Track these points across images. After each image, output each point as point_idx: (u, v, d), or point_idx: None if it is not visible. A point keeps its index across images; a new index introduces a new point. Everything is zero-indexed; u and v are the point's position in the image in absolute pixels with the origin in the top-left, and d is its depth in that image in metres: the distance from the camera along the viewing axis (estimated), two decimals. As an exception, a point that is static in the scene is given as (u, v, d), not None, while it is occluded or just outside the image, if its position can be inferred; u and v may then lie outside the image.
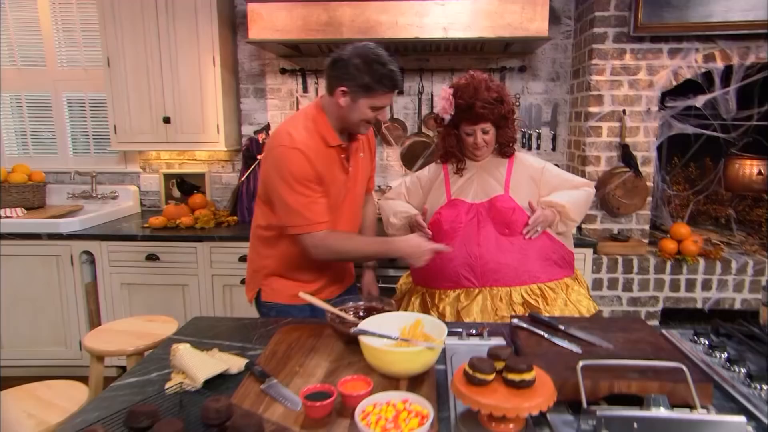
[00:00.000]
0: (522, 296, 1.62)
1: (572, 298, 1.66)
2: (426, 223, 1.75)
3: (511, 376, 0.96)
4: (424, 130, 3.19)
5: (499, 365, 1.00)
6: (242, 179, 3.09)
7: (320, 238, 1.53)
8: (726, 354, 1.23)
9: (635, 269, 2.62)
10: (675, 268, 2.60)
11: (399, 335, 1.22)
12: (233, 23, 3.21)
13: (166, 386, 1.11)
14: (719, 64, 2.59)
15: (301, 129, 1.53)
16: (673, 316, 2.74)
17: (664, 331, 1.40)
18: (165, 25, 2.93)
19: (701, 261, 2.59)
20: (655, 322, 2.68)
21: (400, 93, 3.17)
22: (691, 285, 2.62)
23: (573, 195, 1.69)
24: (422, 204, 1.85)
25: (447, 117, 1.70)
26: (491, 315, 1.61)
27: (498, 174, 1.73)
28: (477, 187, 1.72)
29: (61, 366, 2.86)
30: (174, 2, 2.88)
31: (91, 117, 3.46)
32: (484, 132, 1.68)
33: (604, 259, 2.62)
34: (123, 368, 2.88)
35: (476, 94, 1.62)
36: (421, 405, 0.91)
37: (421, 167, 3.15)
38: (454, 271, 1.66)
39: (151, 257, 2.76)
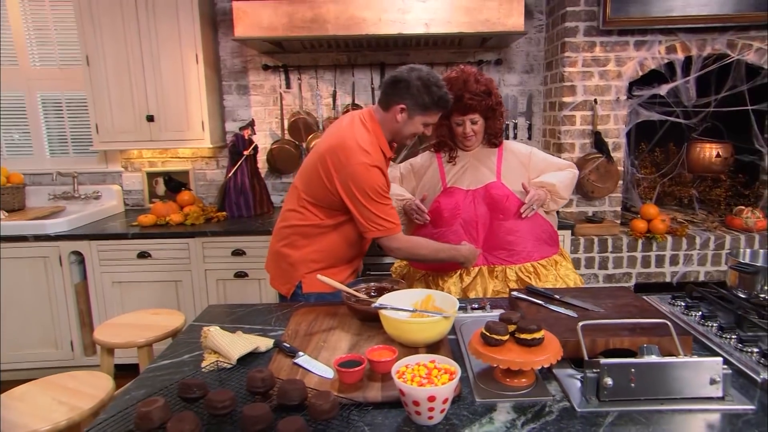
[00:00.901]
0: (516, 273, 1.76)
1: (561, 273, 1.81)
2: (426, 207, 1.86)
3: (523, 336, 1.08)
4: (406, 122, 3.29)
5: (511, 328, 1.12)
6: (229, 175, 3.12)
7: (404, 240, 1.72)
8: (701, 312, 1.39)
9: (610, 248, 2.81)
10: (645, 246, 2.80)
11: (414, 308, 1.33)
12: (214, 20, 3.23)
13: (203, 365, 1.19)
14: (680, 55, 2.79)
15: (370, 144, 1.65)
16: (644, 290, 2.94)
17: (644, 297, 1.55)
18: (146, 23, 2.93)
19: (669, 238, 2.79)
20: (628, 297, 2.87)
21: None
22: (660, 261, 2.82)
23: (560, 175, 1.85)
24: (415, 189, 1.96)
25: None
26: (489, 291, 1.75)
27: (489, 162, 1.87)
28: (470, 175, 1.86)
29: (51, 368, 2.83)
30: (154, 0, 2.89)
31: (69, 117, 3.41)
32: (473, 122, 1.81)
33: (581, 240, 2.80)
34: (118, 365, 2.88)
35: (465, 86, 1.75)
36: (448, 363, 1.02)
37: (406, 158, 3.27)
38: None
39: (143, 255, 2.77)
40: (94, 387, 1.46)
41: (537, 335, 1.07)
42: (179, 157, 3.43)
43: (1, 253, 2.74)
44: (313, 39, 2.78)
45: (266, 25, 2.72)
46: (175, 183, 3.27)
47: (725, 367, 1.00)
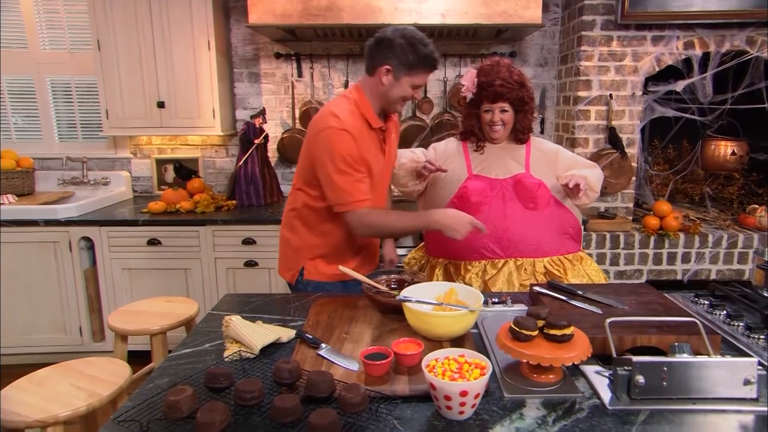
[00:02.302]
0: (545, 266, 1.75)
1: (587, 270, 1.80)
2: (451, 191, 1.80)
3: (553, 332, 1.07)
4: (418, 114, 3.27)
5: (540, 323, 1.11)
6: (240, 164, 3.10)
7: (363, 214, 1.60)
8: (725, 311, 1.37)
9: (621, 244, 2.80)
10: (658, 243, 2.79)
11: (438, 301, 1.32)
12: (226, 7, 3.19)
13: (225, 355, 1.18)
14: (698, 51, 2.76)
15: (346, 111, 1.59)
16: (655, 287, 2.94)
17: (666, 294, 1.54)
18: (158, 9, 2.89)
19: (681, 236, 2.78)
20: (639, 294, 2.87)
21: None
22: (672, 258, 2.81)
23: (590, 171, 1.82)
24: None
25: (469, 95, 1.81)
26: (515, 285, 1.73)
27: (517, 156, 1.84)
28: (498, 165, 1.83)
29: (61, 353, 2.84)
30: (166, -15, 2.85)
31: (79, 101, 3.38)
32: (503, 111, 1.77)
33: (593, 236, 2.78)
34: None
35: (497, 74, 1.74)
36: (479, 358, 1.01)
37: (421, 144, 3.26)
38: (481, 243, 1.76)
39: (153, 242, 2.76)
40: (112, 374, 1.46)
41: (567, 331, 1.06)
42: (189, 145, 3.40)
43: (10, 237, 2.73)
44: (327, 27, 2.75)
45: (280, 13, 2.69)
46: (185, 170, 3.26)
47: (760, 368, 0.99)
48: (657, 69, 2.80)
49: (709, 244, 2.78)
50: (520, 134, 1.84)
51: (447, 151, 1.92)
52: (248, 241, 2.77)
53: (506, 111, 1.77)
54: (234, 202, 3.06)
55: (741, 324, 1.31)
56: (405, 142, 3.24)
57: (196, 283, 2.83)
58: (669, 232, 2.77)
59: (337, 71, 3.26)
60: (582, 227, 1.92)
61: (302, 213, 1.73)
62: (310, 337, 1.23)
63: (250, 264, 2.79)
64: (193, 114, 3.04)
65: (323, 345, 1.20)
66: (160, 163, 3.42)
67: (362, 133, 1.61)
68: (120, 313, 1.93)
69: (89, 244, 2.82)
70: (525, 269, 1.75)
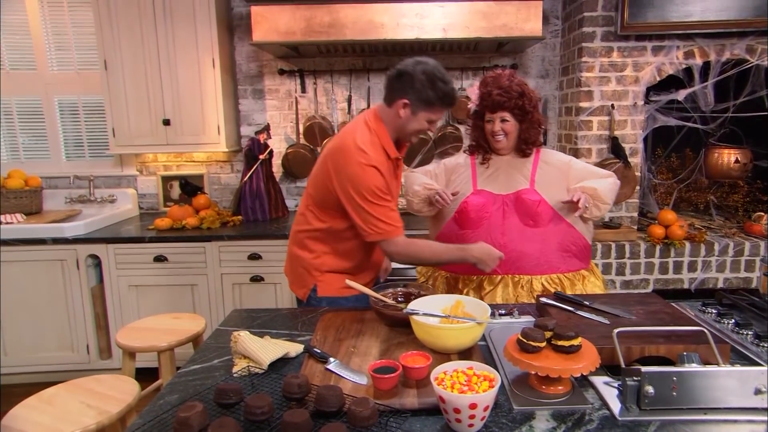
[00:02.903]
0: (542, 284, 1.73)
1: (588, 289, 1.77)
2: (453, 207, 1.82)
3: (561, 343, 1.07)
4: (421, 127, 3.29)
5: (547, 335, 1.11)
6: (245, 179, 3.13)
7: (403, 244, 1.64)
8: (734, 320, 1.37)
9: (627, 254, 2.79)
10: (663, 252, 2.78)
11: (445, 314, 1.32)
12: (230, 25, 3.24)
13: (234, 370, 1.18)
14: (698, 61, 2.78)
15: (369, 144, 1.60)
16: (663, 297, 2.92)
17: (673, 303, 1.54)
18: (163, 28, 2.94)
19: (687, 244, 2.77)
20: (646, 303, 2.85)
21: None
22: (678, 267, 2.80)
23: (602, 182, 1.77)
24: (444, 188, 1.91)
25: (473, 107, 1.84)
26: (512, 302, 1.72)
27: (524, 170, 1.81)
28: (503, 180, 1.81)
29: (68, 371, 2.84)
30: (172, 4, 2.91)
31: (86, 120, 3.43)
32: (503, 120, 1.76)
33: (599, 246, 2.78)
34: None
35: (496, 83, 1.75)
36: (487, 370, 1.01)
37: (420, 163, 3.27)
38: None
39: (159, 258, 2.78)
40: (121, 391, 1.46)
41: (575, 342, 1.06)
42: (194, 161, 3.44)
43: (18, 256, 2.75)
44: (330, 44, 2.79)
45: (284, 30, 2.73)
46: (190, 187, 3.28)
47: (769, 376, 0.98)
48: (658, 79, 2.81)
49: (715, 252, 2.77)
50: (523, 145, 1.81)
51: (456, 166, 1.93)
52: (254, 257, 2.78)
53: (507, 120, 1.76)
54: (240, 217, 3.08)
55: (750, 333, 1.30)
56: (408, 155, 3.26)
57: (203, 298, 2.84)
58: (674, 240, 2.77)
59: (340, 86, 3.30)
60: (589, 245, 1.87)
61: (317, 234, 1.73)
62: (318, 351, 1.23)
63: (256, 279, 2.80)
64: (198, 131, 3.08)
65: (331, 359, 1.20)
66: (166, 180, 3.45)
67: (385, 164, 1.63)
68: (127, 330, 1.94)
69: (96, 262, 2.84)
70: (522, 286, 1.74)
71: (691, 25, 2.68)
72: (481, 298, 1.76)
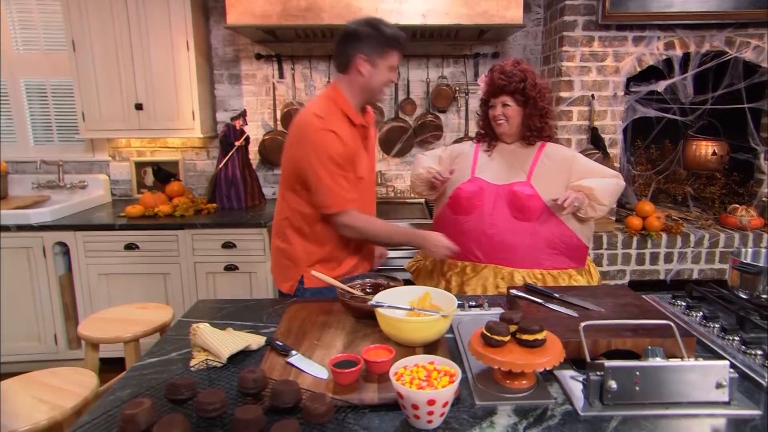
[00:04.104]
0: (524, 278, 1.71)
1: None
2: (448, 193, 1.84)
3: (525, 337, 1.05)
4: (401, 115, 3.25)
5: (512, 328, 1.08)
6: (220, 166, 3.06)
7: (352, 218, 1.62)
8: (702, 313, 1.36)
9: (604, 245, 2.80)
10: (640, 243, 2.79)
11: (411, 306, 1.29)
12: (206, 7, 3.14)
13: (191, 364, 1.14)
14: (678, 52, 2.77)
15: (328, 111, 1.60)
16: (639, 287, 2.91)
17: (644, 296, 1.53)
18: (134, 8, 2.84)
19: (664, 236, 2.78)
20: (622, 294, 2.86)
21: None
22: (654, 258, 2.81)
23: (602, 181, 1.72)
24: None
25: (482, 96, 1.83)
26: (492, 291, 1.71)
27: (524, 162, 1.78)
28: (501, 170, 1.79)
29: (35, 361, 2.76)
30: (144, -16, 2.80)
31: (54, 103, 3.32)
32: (504, 105, 1.74)
33: (576, 237, 2.77)
34: (103, 359, 2.81)
35: (501, 68, 1.75)
36: (448, 365, 0.98)
37: (399, 152, 3.23)
38: (465, 245, 1.75)
39: (131, 246, 2.71)
40: (78, 384, 1.41)
41: (539, 336, 1.04)
42: (168, 147, 3.35)
43: (-18, 243, 2.66)
44: (307, 28, 2.71)
45: (259, 13, 2.65)
46: (163, 173, 3.20)
47: (732, 370, 0.97)
48: (638, 69, 2.80)
49: (691, 243, 2.79)
50: (526, 133, 1.77)
51: (460, 152, 1.92)
52: (228, 245, 2.73)
53: (508, 105, 1.74)
54: (214, 205, 3.02)
55: (717, 326, 1.30)
56: (387, 143, 3.23)
57: (176, 288, 2.78)
58: (651, 232, 2.78)
59: (319, 72, 3.23)
60: (584, 245, 1.80)
61: (292, 220, 1.69)
62: (280, 344, 1.20)
63: (231, 268, 2.75)
64: (172, 116, 2.99)
65: (293, 352, 1.17)
66: (140, 165, 3.36)
67: (346, 132, 1.61)
68: (92, 321, 1.88)
69: (64, 250, 2.76)
70: (503, 277, 1.72)
71: (671, 15, 2.66)
72: (463, 284, 1.76)
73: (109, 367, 2.49)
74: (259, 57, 3.19)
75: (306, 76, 3.23)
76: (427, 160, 1.94)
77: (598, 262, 2.81)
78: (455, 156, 1.92)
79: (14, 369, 2.71)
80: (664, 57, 2.77)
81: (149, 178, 3.33)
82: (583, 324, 1.13)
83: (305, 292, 1.70)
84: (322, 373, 1.09)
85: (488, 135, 1.85)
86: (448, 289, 1.77)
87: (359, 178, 1.68)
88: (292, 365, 1.12)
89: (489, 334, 1.05)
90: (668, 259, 2.81)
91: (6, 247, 2.68)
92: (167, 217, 2.82)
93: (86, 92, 2.93)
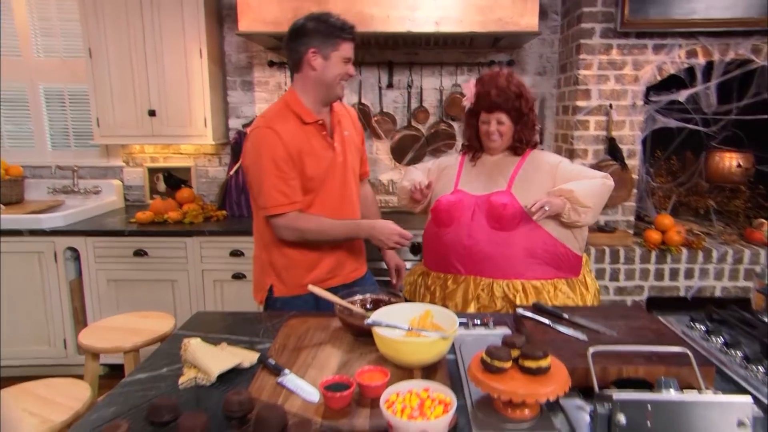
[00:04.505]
0: (503, 290, 1.66)
1: (559, 300, 1.65)
2: (429, 204, 1.83)
3: (528, 364, 0.98)
4: (413, 123, 3.20)
5: (515, 353, 1.02)
6: (231, 173, 3.05)
7: (291, 219, 1.57)
8: (722, 339, 1.28)
9: (622, 259, 2.70)
10: (659, 258, 2.68)
11: (409, 326, 1.23)
12: (220, 14, 3.15)
13: (180, 381, 1.10)
14: (701, 60, 2.67)
15: (273, 111, 1.60)
16: (657, 304, 2.83)
17: (660, 318, 1.45)
18: (150, 16, 2.86)
19: (684, 251, 2.67)
20: (640, 311, 2.76)
21: (390, 86, 3.17)
22: (674, 274, 2.70)
23: (584, 183, 1.64)
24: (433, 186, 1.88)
25: (467, 105, 1.78)
26: (473, 303, 1.67)
27: (506, 170, 1.75)
28: (484, 180, 1.76)
29: (44, 365, 2.79)
30: (159, -8, 2.82)
31: (71, 109, 3.36)
32: (499, 122, 1.71)
33: (592, 250, 2.68)
34: (111, 366, 2.82)
35: (494, 83, 1.69)
36: (444, 393, 0.93)
37: (412, 160, 3.18)
38: (446, 257, 1.74)
39: (139, 253, 2.71)
40: (71, 397, 1.39)
41: (543, 363, 0.98)
42: (181, 153, 3.36)
43: (-5, 247, 2.69)
44: (319, 35, 2.69)
45: (271, 20, 2.64)
46: (174, 180, 3.21)
47: (755, 407, 0.89)
48: (658, 78, 2.71)
49: (713, 259, 2.67)
50: (517, 144, 1.76)
51: (447, 164, 1.90)
52: (236, 253, 2.71)
53: (503, 123, 1.72)
54: (224, 212, 3.01)
55: (739, 353, 1.21)
56: (400, 151, 3.18)
57: (183, 295, 2.76)
58: (671, 246, 2.67)
59: (332, 80, 3.20)
60: (573, 253, 1.72)
61: (258, 228, 1.68)
62: (273, 362, 1.15)
63: (238, 276, 2.72)
64: (184, 123, 3.00)
65: (285, 371, 1.12)
66: (153, 172, 3.37)
67: (292, 130, 1.56)
68: (93, 330, 1.87)
69: (75, 255, 2.77)
70: (482, 289, 1.68)
71: (694, 23, 2.56)
72: (445, 297, 1.72)
73: (118, 373, 2.48)
74: (271, 64, 3.18)
75: (318, 83, 3.20)
76: (416, 173, 1.90)
77: (614, 276, 2.71)
78: (443, 168, 1.90)
79: (25, 372, 2.74)
80: (686, 65, 2.68)
81: (161, 185, 3.35)
82: (591, 350, 1.06)
83: (275, 302, 1.67)
84: (314, 395, 1.04)
85: (473, 147, 1.82)
86: (432, 302, 1.73)
87: (309, 177, 1.60)
88: (283, 386, 1.08)
89: (489, 360, 0.99)
90: (689, 275, 2.69)
91: (19, 252, 2.70)
92: (176, 224, 2.81)
93: (101, 98, 2.95)
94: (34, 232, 2.68)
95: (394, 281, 1.89)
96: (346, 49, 1.57)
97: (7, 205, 3.01)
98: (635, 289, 2.74)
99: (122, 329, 1.85)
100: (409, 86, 3.16)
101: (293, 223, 1.58)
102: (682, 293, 2.73)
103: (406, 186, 1.86)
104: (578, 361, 1.09)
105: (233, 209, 3.03)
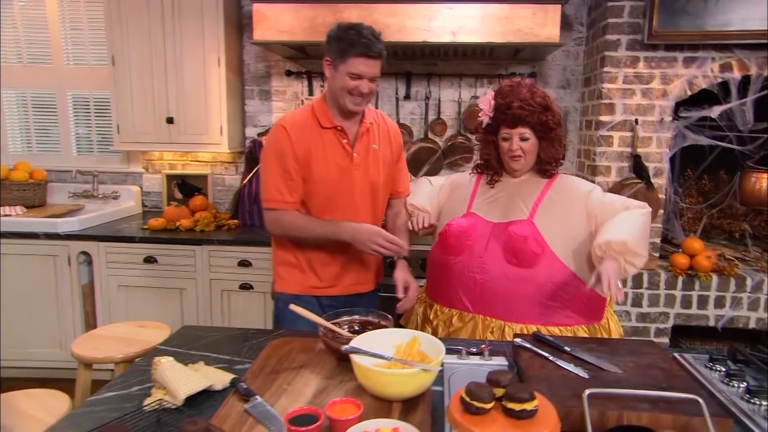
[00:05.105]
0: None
1: None
2: (439, 227, 1.68)
3: (512, 405, 0.89)
4: (430, 135, 3.13)
5: (499, 392, 0.93)
6: (244, 182, 3.04)
7: (279, 214, 1.62)
8: (745, 384, 1.14)
9: (645, 284, 2.53)
10: (687, 284, 2.51)
11: (394, 353, 1.15)
12: (239, 24, 3.17)
13: (145, 402, 1.05)
14: (736, 74, 2.50)
15: (297, 110, 1.67)
16: (684, 333, 2.65)
17: (676, 355, 1.32)
18: (171, 25, 2.89)
19: (714, 277, 2.49)
20: (665, 339, 2.59)
21: (407, 97, 3.11)
22: (703, 302, 2.52)
23: (627, 224, 1.40)
24: (441, 205, 1.74)
25: (486, 120, 1.59)
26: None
27: (530, 196, 1.56)
28: (502, 206, 1.58)
29: (56, 368, 2.81)
30: (180, 2, 2.85)
31: (96, 115, 3.43)
32: (523, 139, 1.52)
33: (613, 273, 2.53)
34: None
35: (516, 95, 1.51)
36: (413, 435, 0.84)
37: (428, 173, 3.10)
38: (453, 290, 1.56)
39: (149, 260, 2.71)
40: (48, 410, 1.36)
41: (528, 406, 0.88)
42: (199, 161, 3.38)
43: (12, 249, 2.73)
44: (334, 45, 2.66)
45: (286, 29, 2.62)
46: (188, 187, 3.22)
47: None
48: (689, 93, 2.55)
49: (747, 288, 2.48)
50: (546, 165, 1.57)
51: (460, 183, 1.74)
52: (244, 263, 2.68)
53: (527, 138, 1.52)
54: (236, 221, 2.99)
55: (765, 404, 1.07)
56: (415, 164, 3.10)
57: (191, 303, 2.75)
58: (700, 272, 2.49)
59: (349, 90, 3.17)
60: (598, 296, 1.51)
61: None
62: (244, 386, 1.09)
63: (245, 287, 2.69)
64: (201, 130, 3.01)
65: (256, 398, 1.06)
66: (171, 178, 3.40)
67: (306, 129, 1.61)
68: (87, 338, 1.85)
69: (88, 259, 2.80)
70: (492, 331, 1.50)
71: (729, 34, 2.41)
72: (449, 335, 1.55)
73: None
74: (289, 74, 3.17)
75: (335, 93, 3.17)
76: (423, 196, 1.75)
77: (636, 302, 2.55)
78: (454, 188, 1.75)
79: (38, 375, 2.79)
80: (720, 80, 2.51)
81: (178, 192, 3.37)
82: (587, 392, 0.96)
83: (279, 298, 1.71)
84: (280, 427, 0.97)
85: (491, 166, 1.62)
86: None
87: (317, 180, 1.62)
88: (250, 414, 1.01)
89: (468, 399, 0.90)
90: (719, 303, 2.51)
91: (35, 254, 2.75)
92: (187, 232, 2.81)
93: (122, 105, 3.00)
94: (49, 236, 2.72)
95: (400, 296, 1.63)
96: (354, 64, 1.53)
97: (29, 208, 3.07)
98: (659, 316, 2.57)
99: (118, 338, 1.83)
100: (427, 98, 3.09)
101: (280, 218, 1.62)
102: (711, 323, 2.55)
103: (410, 210, 1.77)
104: (574, 403, 0.99)
105: (245, 218, 3.01)
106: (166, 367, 1.10)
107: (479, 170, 1.69)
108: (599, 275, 1.34)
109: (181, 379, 1.07)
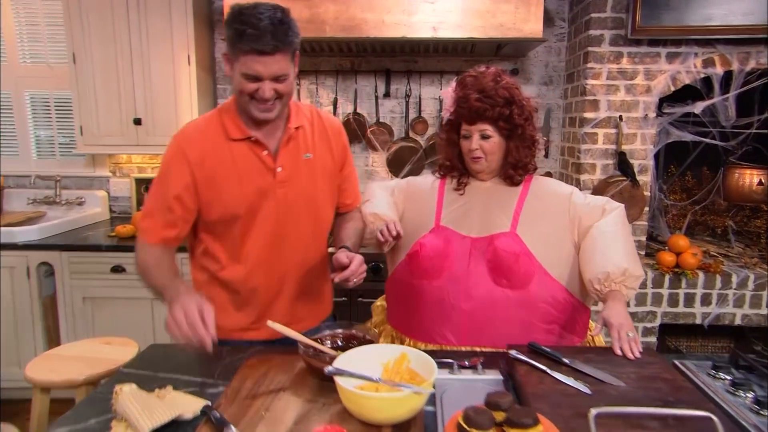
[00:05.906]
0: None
1: None
2: (407, 245, 1.41)
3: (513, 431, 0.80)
4: (411, 134, 3.04)
5: (500, 416, 0.84)
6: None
7: (142, 247, 1.35)
8: (753, 394, 1.08)
9: (632, 283, 2.49)
10: (673, 282, 2.48)
11: (381, 372, 1.06)
12: (210, 20, 3.03)
13: (103, 439, 0.93)
14: (719, 70, 2.48)
15: (201, 118, 1.35)
16: (671, 332, 2.62)
17: (677, 363, 1.26)
18: (136, 21, 2.74)
19: (700, 275, 2.47)
20: (652, 338, 2.55)
21: (387, 95, 3.01)
22: (690, 300, 2.49)
23: (616, 245, 1.28)
24: (398, 214, 1.49)
25: (447, 116, 1.40)
26: None
27: (506, 204, 1.37)
28: (477, 216, 1.38)
29: (15, 388, 2.62)
30: (146, -5, 2.70)
31: (57, 117, 3.24)
32: (484, 137, 1.33)
33: (600, 273, 2.48)
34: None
35: (477, 84, 1.31)
36: (407, 473, 0.75)
37: (409, 173, 3.01)
38: (430, 323, 1.35)
39: (117, 269, 2.56)
40: (-5, 444, 1.23)
41: (533, 432, 0.79)
42: (169, 164, 3.21)
43: (-34, 261, 2.55)
44: (310, 41, 2.55)
45: (259, 25, 2.49)
46: (159, 192, 3.05)
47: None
48: (672, 89, 2.52)
49: (732, 284, 2.46)
50: (510, 170, 1.37)
51: (421, 189, 1.49)
52: (218, 271, 2.54)
53: (489, 137, 1.33)
54: (209, 226, 2.85)
55: (774, 413, 1.02)
56: (397, 164, 3.02)
57: (162, 315, 2.57)
58: (686, 270, 2.46)
59: (326, 88, 3.06)
60: (585, 306, 1.43)
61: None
62: (217, 415, 0.98)
63: (220, 295, 2.55)
64: (170, 131, 2.73)
65: (231, 428, 0.95)
66: (140, 182, 3.23)
67: (207, 143, 1.28)
68: (44, 359, 1.70)
69: (50, 270, 2.62)
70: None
71: (711, 30, 2.38)
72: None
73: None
74: (263, 72, 3.04)
75: (312, 91, 3.06)
76: (379, 201, 1.47)
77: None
78: (411, 194, 1.49)
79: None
80: (703, 75, 2.49)
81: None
82: (594, 411, 0.87)
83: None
84: (257, 462, 0.86)
85: (456, 169, 1.42)
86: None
87: (227, 206, 1.31)
88: (223, 448, 0.90)
89: (466, 426, 0.81)
90: (706, 301, 2.49)
91: (-10, 266, 2.56)
92: (158, 239, 2.65)
93: (85, 106, 2.83)
94: (6, 246, 2.54)
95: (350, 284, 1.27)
96: (245, 62, 1.17)
97: (-16, 217, 2.88)
98: (647, 315, 2.54)
99: (79, 358, 1.69)
100: (407, 95, 3.00)
101: (139, 251, 1.35)
102: (698, 320, 2.52)
103: (372, 224, 1.43)
104: (578, 424, 0.91)
105: (219, 223, 2.87)
106: (128, 396, 0.98)
107: (442, 173, 1.48)
108: (606, 321, 1.23)
109: (145, 410, 0.96)
